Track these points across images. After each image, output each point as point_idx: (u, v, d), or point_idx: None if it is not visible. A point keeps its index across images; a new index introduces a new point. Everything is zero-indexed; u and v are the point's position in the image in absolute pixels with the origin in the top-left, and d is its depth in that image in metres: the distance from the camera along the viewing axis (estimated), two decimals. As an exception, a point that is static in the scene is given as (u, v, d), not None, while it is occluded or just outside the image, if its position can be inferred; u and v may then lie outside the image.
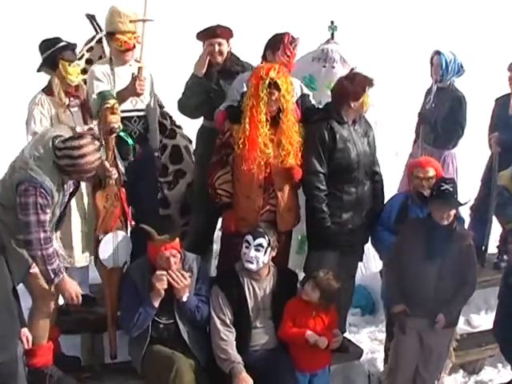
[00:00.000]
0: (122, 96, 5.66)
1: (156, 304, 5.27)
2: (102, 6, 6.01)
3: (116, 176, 5.35)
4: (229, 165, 5.58)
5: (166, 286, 5.23)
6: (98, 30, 6.38)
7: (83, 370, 5.61)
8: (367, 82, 5.65)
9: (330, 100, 5.83)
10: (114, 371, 5.58)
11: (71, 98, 5.66)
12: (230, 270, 5.47)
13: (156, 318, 5.33)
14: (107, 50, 6.18)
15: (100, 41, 6.32)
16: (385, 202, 5.96)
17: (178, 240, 5.32)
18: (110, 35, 5.88)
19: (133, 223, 5.60)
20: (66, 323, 5.58)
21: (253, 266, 5.38)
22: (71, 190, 5.14)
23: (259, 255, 5.37)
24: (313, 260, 5.77)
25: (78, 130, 5.36)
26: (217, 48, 6.11)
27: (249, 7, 10.50)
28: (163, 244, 5.24)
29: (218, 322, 5.34)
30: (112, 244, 5.38)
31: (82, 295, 5.17)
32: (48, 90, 5.65)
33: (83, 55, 6.19)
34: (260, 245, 5.37)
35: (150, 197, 6.14)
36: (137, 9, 5.74)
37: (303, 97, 5.95)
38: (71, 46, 5.63)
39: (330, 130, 5.60)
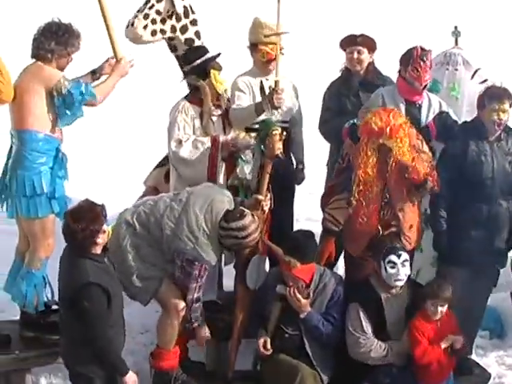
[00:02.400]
0: (259, 109, 5.70)
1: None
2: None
3: (269, 202, 5.42)
4: (346, 190, 5.51)
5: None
6: None
7: (207, 376, 5.67)
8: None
9: (453, 103, 5.83)
10: (237, 379, 5.59)
11: (213, 107, 5.75)
12: (366, 285, 5.41)
13: (282, 327, 5.35)
14: (177, 2, 6.01)
15: None
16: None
17: (307, 265, 5.28)
18: (253, 46, 5.97)
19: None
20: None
21: (402, 283, 5.34)
22: None
23: (407, 271, 5.33)
24: (441, 274, 5.65)
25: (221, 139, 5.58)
26: (355, 55, 6.11)
27: (373, 18, 10.43)
28: (289, 265, 5.26)
29: (359, 336, 5.28)
30: (256, 267, 5.45)
31: (210, 301, 5.26)
32: (192, 98, 5.77)
33: (153, 5, 5.95)
34: (405, 260, 5.32)
35: (287, 212, 6.17)
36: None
37: (442, 114, 5.85)
38: (218, 56, 5.77)
39: (463, 144, 5.52)
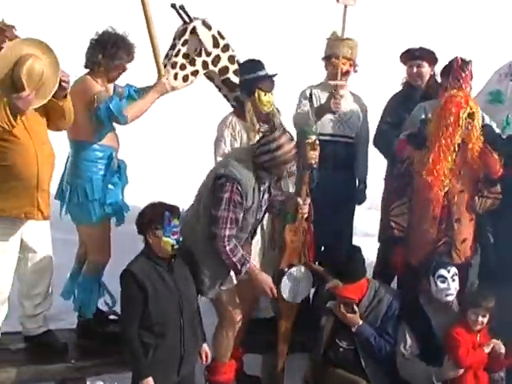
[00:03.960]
0: (318, 113, 5.69)
1: None
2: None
3: (307, 212, 5.34)
4: (406, 195, 5.51)
5: None
6: (188, 20, 5.85)
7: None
8: None
9: None
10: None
11: (261, 123, 5.72)
12: (415, 303, 5.33)
13: (337, 341, 5.30)
14: (203, 37, 5.84)
15: (193, 31, 5.84)
16: None
17: (356, 283, 5.25)
18: (327, 58, 5.96)
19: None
20: (249, 342, 5.62)
21: (452, 298, 5.27)
22: (265, 206, 5.21)
23: (456, 285, 5.26)
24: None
25: None
26: (415, 69, 6.04)
27: (436, 31, 10.31)
28: (335, 286, 5.22)
29: (407, 357, 5.22)
30: (294, 279, 5.39)
31: (263, 318, 5.21)
32: (239, 113, 5.75)
33: (179, 50, 5.78)
34: (455, 274, 5.25)
35: (347, 229, 6.13)
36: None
37: (485, 127, 5.73)
38: (271, 77, 5.67)
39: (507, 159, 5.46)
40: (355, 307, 5.25)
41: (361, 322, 5.24)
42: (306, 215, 5.34)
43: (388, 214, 5.56)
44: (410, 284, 5.54)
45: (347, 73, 5.92)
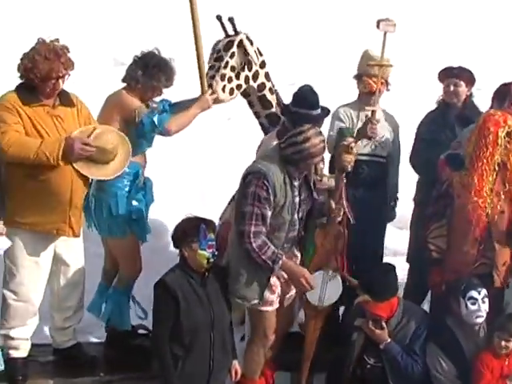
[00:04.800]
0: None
1: None
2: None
3: (341, 216, 5.24)
4: (445, 217, 5.44)
5: None
6: (234, 33, 5.81)
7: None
8: None
9: None
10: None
11: None
12: (443, 325, 5.27)
13: (365, 358, 5.27)
14: (250, 51, 5.81)
15: (240, 44, 5.79)
16: None
17: (387, 301, 5.20)
18: (358, 77, 5.94)
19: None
20: (279, 360, 5.57)
21: (482, 320, 5.21)
22: (307, 206, 5.12)
23: (486, 307, 5.20)
24: None
25: None
26: (452, 88, 6.02)
27: (476, 50, 10.28)
28: (366, 302, 5.19)
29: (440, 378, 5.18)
30: (321, 282, 5.24)
31: (291, 333, 5.17)
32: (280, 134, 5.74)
33: (227, 62, 5.71)
34: (485, 295, 5.19)
35: (376, 246, 6.06)
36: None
37: None
38: (323, 118, 5.62)
39: None
40: (383, 324, 5.21)
41: (389, 340, 5.21)
42: (339, 219, 5.20)
43: (426, 237, 5.49)
44: (441, 305, 5.50)
45: (378, 91, 5.88)
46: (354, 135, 5.42)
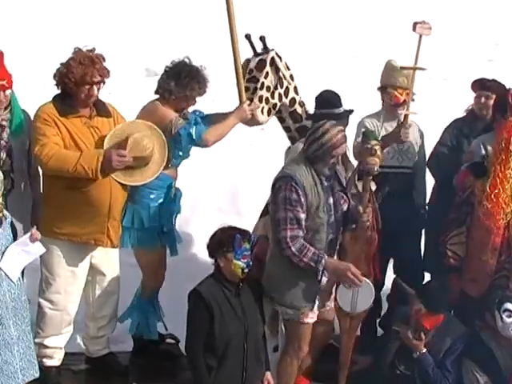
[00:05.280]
0: (385, 141, 5.57)
1: None
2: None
3: (369, 221, 5.13)
4: (465, 224, 5.44)
5: None
6: (264, 51, 5.76)
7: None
8: None
9: None
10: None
11: None
12: (478, 340, 5.26)
13: (396, 363, 5.29)
14: (282, 68, 5.75)
15: (272, 62, 5.73)
16: None
17: (436, 316, 5.20)
18: (383, 88, 5.93)
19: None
20: (313, 371, 5.51)
21: None
22: (343, 207, 5.08)
23: None
24: None
25: None
26: (483, 100, 5.99)
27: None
28: (418, 312, 5.17)
29: None
30: (352, 288, 5.13)
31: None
32: None
33: (263, 83, 5.67)
34: None
35: (415, 256, 6.02)
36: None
37: None
38: (347, 115, 5.67)
39: None
40: (422, 335, 5.20)
41: (424, 350, 5.20)
42: (368, 224, 5.12)
43: (445, 243, 5.48)
44: (468, 317, 5.46)
45: (404, 103, 5.86)
46: (380, 138, 5.38)
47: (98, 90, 5.12)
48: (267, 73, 5.70)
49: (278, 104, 5.80)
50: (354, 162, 5.38)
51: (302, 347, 5.12)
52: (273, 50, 5.78)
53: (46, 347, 5.29)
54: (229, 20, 5.38)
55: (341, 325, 5.33)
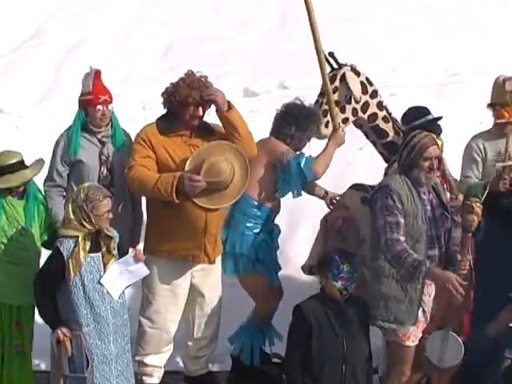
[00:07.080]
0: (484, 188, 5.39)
1: None
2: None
3: (465, 271, 4.89)
4: None
5: None
6: (337, 67, 5.81)
7: None
8: None
9: None
10: None
11: None
12: None
13: None
14: (352, 84, 5.78)
15: (343, 78, 5.78)
16: None
17: None
18: (492, 106, 5.79)
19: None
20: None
21: None
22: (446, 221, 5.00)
23: None
24: None
25: None
26: None
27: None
28: None
29: None
30: (440, 342, 4.91)
31: None
32: None
33: (325, 111, 5.68)
34: None
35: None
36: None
37: None
38: (438, 120, 5.73)
39: None
40: None
41: None
42: (464, 272, 4.89)
43: None
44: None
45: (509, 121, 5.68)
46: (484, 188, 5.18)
47: (204, 111, 5.17)
48: (336, 87, 5.75)
49: (352, 118, 5.82)
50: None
51: (405, 372, 5.00)
52: (348, 65, 5.83)
53: (146, 365, 5.34)
54: (314, 42, 5.40)
55: (431, 376, 5.18)
